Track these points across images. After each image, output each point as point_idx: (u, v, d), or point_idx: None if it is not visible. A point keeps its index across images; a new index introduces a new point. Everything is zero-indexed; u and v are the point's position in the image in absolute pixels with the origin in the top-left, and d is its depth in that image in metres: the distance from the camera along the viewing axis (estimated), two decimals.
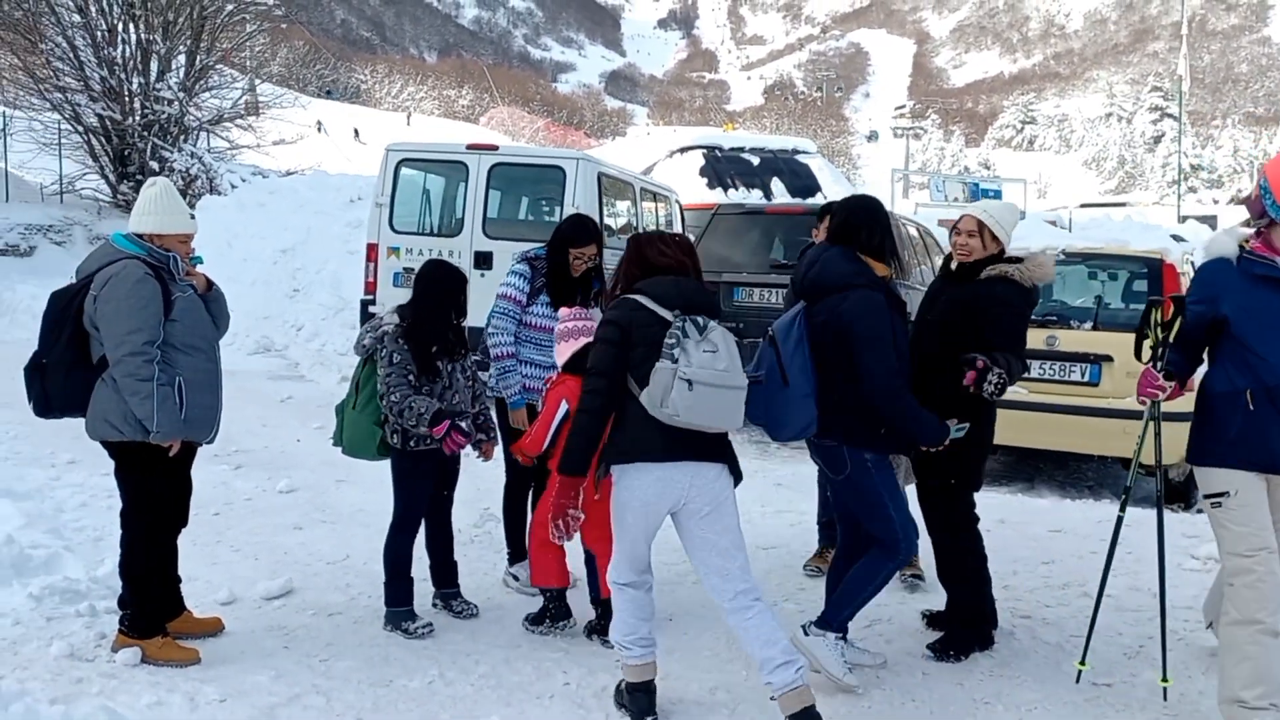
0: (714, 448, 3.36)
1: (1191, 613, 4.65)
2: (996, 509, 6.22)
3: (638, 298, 3.42)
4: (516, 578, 4.92)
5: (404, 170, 9.68)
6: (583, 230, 4.69)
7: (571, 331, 4.22)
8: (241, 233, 15.18)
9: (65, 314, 3.91)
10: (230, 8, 23.43)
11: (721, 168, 28.38)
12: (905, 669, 4.12)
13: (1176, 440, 6.75)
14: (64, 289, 3.98)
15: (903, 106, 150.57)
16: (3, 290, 16.09)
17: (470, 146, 9.56)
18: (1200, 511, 6.83)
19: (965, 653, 4.22)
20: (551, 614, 4.40)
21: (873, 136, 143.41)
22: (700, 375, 3.20)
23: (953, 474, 4.27)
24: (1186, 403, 6.64)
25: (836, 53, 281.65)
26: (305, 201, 15.94)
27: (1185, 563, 5.36)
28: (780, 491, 6.81)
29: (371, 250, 9.50)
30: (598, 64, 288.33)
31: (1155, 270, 6.87)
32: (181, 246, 4.06)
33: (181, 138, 22.54)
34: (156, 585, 4.03)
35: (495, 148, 9.82)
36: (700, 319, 3.33)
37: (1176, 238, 7.62)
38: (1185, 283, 6.99)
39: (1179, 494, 7.02)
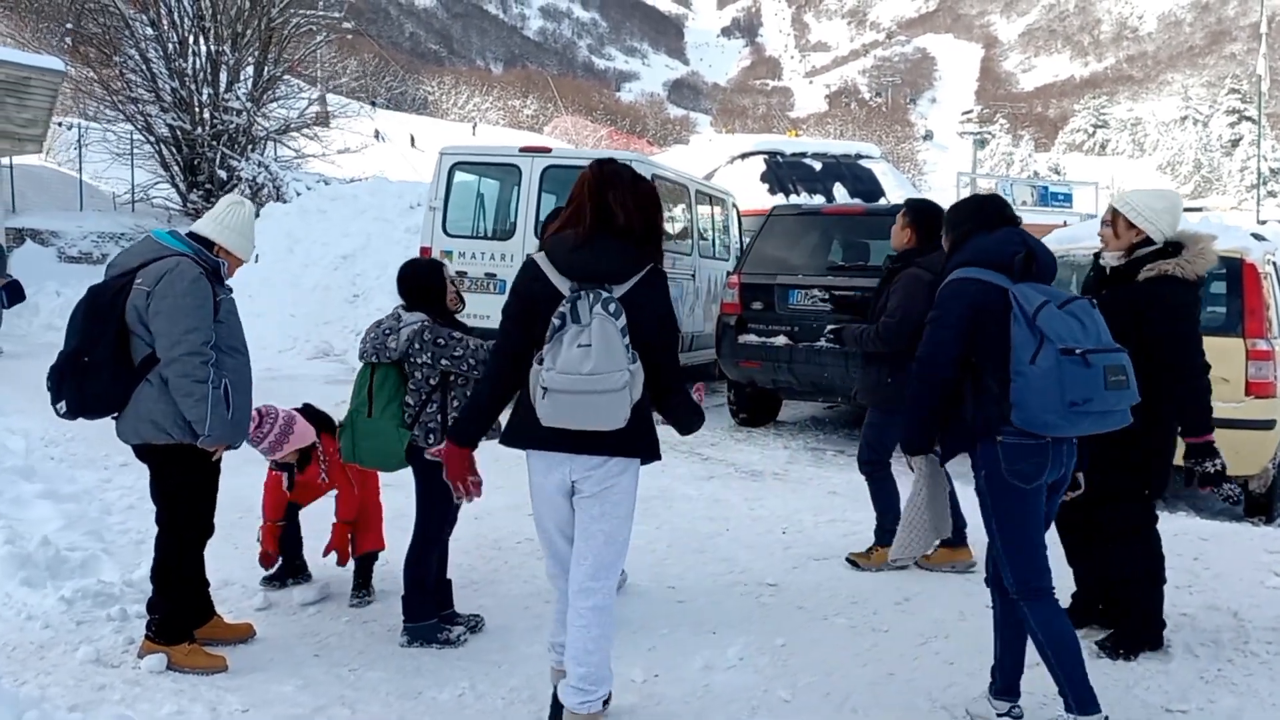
0: (600, 438, 3.06)
1: (1275, 634, 4.33)
2: None
3: (540, 262, 3.14)
4: None
5: (458, 174, 9.64)
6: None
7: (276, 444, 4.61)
8: (303, 238, 15.33)
9: (110, 311, 3.81)
10: (297, 20, 23.72)
11: (783, 173, 28.04)
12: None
13: (1257, 450, 6.43)
14: (103, 284, 3.90)
15: (970, 111, 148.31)
16: (75, 296, 16.40)
17: (523, 149, 9.49)
18: None
19: (1135, 651, 4.11)
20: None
21: (928, 136, 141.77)
22: (557, 382, 2.95)
23: (1146, 484, 4.18)
24: (1266, 409, 6.32)
25: (902, 58, 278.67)
26: (365, 208, 16.04)
27: (1268, 580, 5.02)
28: (834, 500, 6.58)
29: (424, 253, 9.45)
30: (661, 73, 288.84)
31: (1235, 271, 6.50)
32: (235, 264, 4.08)
33: (249, 147, 22.90)
34: (186, 591, 3.95)
35: (548, 150, 9.75)
36: (595, 293, 3.01)
37: (1258, 236, 7.17)
38: (1269, 286, 6.63)
39: (1260, 507, 6.65)
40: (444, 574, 4.35)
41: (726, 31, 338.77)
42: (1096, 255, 4.27)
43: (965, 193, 35.07)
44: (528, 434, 3.14)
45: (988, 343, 3.33)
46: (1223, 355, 5.85)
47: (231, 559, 5.12)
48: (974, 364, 3.38)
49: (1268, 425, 6.31)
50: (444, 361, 4.05)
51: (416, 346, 4.10)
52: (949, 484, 3.86)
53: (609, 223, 3.09)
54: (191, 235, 4.00)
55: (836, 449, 8.57)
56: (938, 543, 4.89)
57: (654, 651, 4.13)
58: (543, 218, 9.35)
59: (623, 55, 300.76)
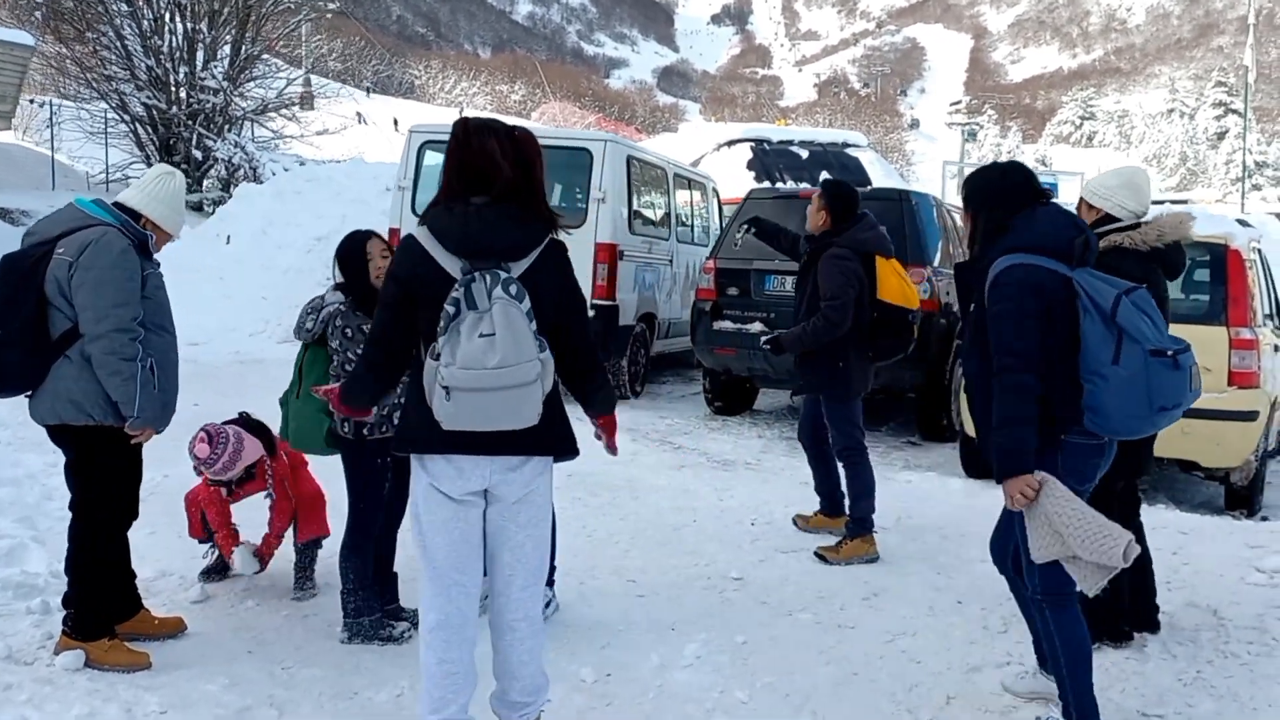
0: (517, 436, 2.68)
1: (1256, 634, 4.16)
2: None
3: (422, 240, 2.69)
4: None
5: (429, 153, 9.39)
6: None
7: (225, 469, 4.34)
8: (277, 220, 15.03)
9: (28, 281, 3.54)
10: None
11: (769, 161, 27.87)
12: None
13: (1239, 441, 6.26)
14: (20, 252, 3.63)
15: (958, 102, 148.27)
16: None
17: None
18: (1265, 519, 6.32)
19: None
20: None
21: (914, 125, 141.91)
22: (460, 379, 2.55)
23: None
24: (1249, 399, 6.15)
25: (892, 48, 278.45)
26: (342, 189, 15.78)
27: (1249, 576, 4.86)
28: (805, 491, 6.34)
29: (394, 235, 9.20)
30: (650, 60, 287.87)
31: (1219, 258, 6.32)
32: (164, 239, 3.86)
33: (226, 127, 22.55)
34: (107, 582, 3.72)
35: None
36: (492, 273, 2.59)
37: (1242, 222, 7.01)
38: (1253, 273, 6.45)
39: (1241, 499, 6.48)
40: (389, 567, 4.13)
41: (716, 19, 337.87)
42: None
43: (953, 184, 34.99)
44: (429, 437, 2.68)
45: (1056, 339, 3.04)
46: (1205, 344, 5.65)
47: (173, 548, 4.90)
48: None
49: (1250, 416, 6.14)
50: (348, 354, 3.85)
51: (330, 330, 3.91)
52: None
53: (495, 185, 2.67)
54: (118, 205, 3.76)
55: None
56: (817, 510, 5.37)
57: (607, 650, 3.93)
58: None
59: (612, 41, 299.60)
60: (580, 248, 8.81)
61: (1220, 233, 6.42)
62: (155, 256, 3.79)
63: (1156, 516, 5.94)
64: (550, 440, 2.78)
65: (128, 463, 3.75)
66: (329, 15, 29.56)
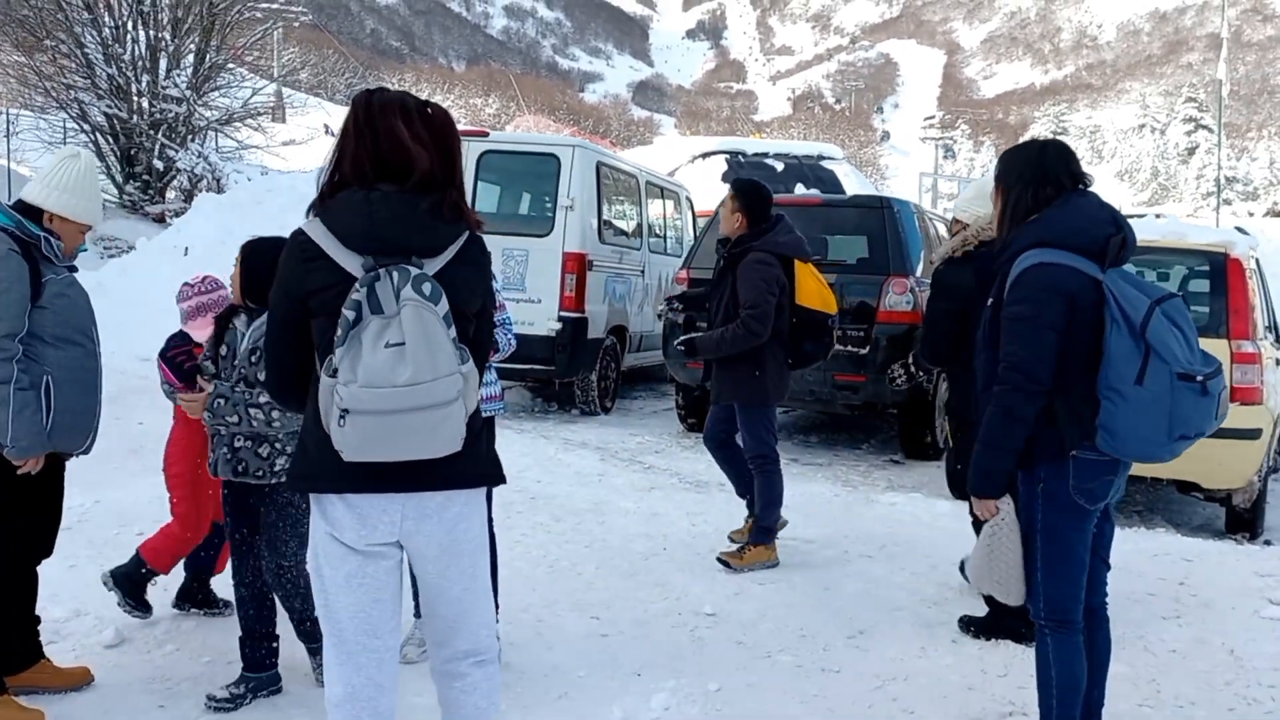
0: (435, 467, 2.22)
1: (1279, 675, 3.79)
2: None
3: (315, 235, 2.22)
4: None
5: None
6: None
7: (199, 308, 3.93)
8: (236, 230, 14.50)
9: None
10: (240, 6, 22.84)
11: (744, 173, 27.59)
12: None
13: (1241, 461, 5.93)
14: None
15: (932, 117, 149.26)
16: None
17: (463, 134, 8.82)
18: (1269, 543, 5.98)
19: (990, 636, 4.13)
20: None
21: (885, 137, 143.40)
22: (362, 400, 2.09)
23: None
24: (1251, 417, 5.83)
25: (865, 63, 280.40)
26: (304, 198, 14.97)
27: (1264, 609, 4.49)
28: (785, 514, 5.98)
29: None
30: (625, 74, 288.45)
31: (1219, 267, 6.00)
32: (79, 237, 3.41)
33: (189, 137, 22.00)
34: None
35: (485, 134, 9.11)
36: (401, 270, 2.15)
37: (1240, 230, 6.73)
38: (1254, 284, 6.14)
39: (1243, 522, 6.15)
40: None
41: (691, 34, 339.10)
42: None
43: (927, 198, 34.87)
44: (328, 473, 2.21)
45: (1077, 347, 2.71)
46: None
47: (93, 584, 4.44)
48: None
49: (1253, 435, 5.81)
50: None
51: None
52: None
53: (405, 169, 2.23)
54: (20, 203, 3.34)
55: (790, 457, 7.97)
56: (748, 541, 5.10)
57: (564, 700, 3.52)
58: (478, 206, 8.79)
59: (587, 56, 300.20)
60: (547, 257, 8.44)
61: (1219, 241, 6.11)
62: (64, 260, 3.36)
63: (1157, 541, 5.61)
64: (474, 468, 2.30)
65: (17, 493, 3.30)
66: (297, 25, 29.01)
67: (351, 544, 2.24)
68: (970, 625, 4.24)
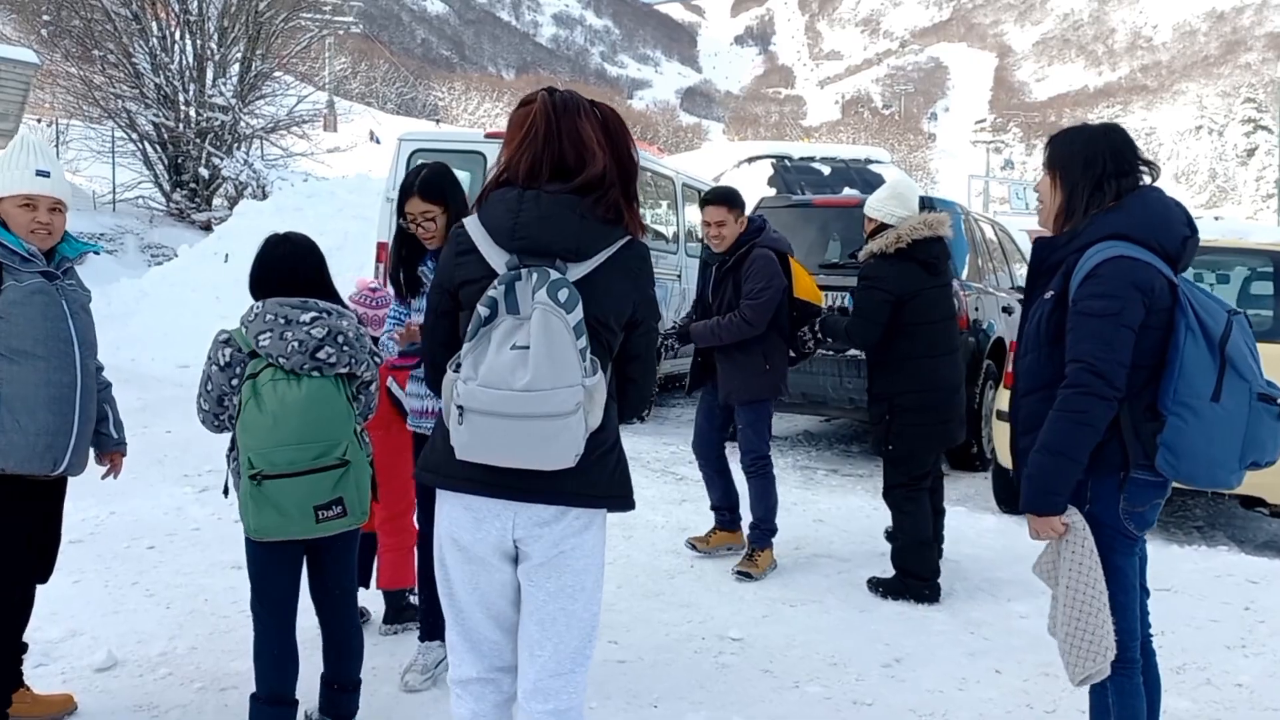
0: (551, 480, 2.11)
1: None
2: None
3: (471, 229, 2.19)
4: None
5: (419, 161, 8.82)
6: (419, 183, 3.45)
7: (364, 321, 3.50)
8: None
9: None
10: (285, 15, 22.97)
11: (791, 177, 27.32)
12: None
13: None
14: None
15: (983, 120, 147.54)
16: None
17: (489, 135, 8.67)
18: None
19: (889, 595, 4.58)
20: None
21: (930, 139, 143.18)
22: (477, 400, 2.03)
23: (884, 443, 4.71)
24: None
25: (915, 67, 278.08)
26: (344, 205, 15.36)
27: None
28: (820, 530, 5.72)
29: (381, 250, 8.66)
30: (674, 80, 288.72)
31: None
32: (21, 214, 3.04)
33: (235, 145, 22.16)
34: None
35: None
36: (541, 273, 2.06)
37: None
38: None
39: None
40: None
41: (739, 39, 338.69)
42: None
43: (978, 201, 34.24)
44: (451, 470, 2.15)
45: (1141, 355, 2.43)
46: (1268, 363, 4.98)
47: (94, 602, 4.31)
48: None
49: None
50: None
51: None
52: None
53: (575, 170, 2.15)
54: None
55: (829, 468, 7.70)
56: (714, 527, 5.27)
57: None
58: None
59: (635, 63, 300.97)
60: None
61: None
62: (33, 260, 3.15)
63: (1219, 560, 5.25)
64: (595, 487, 2.16)
65: (15, 517, 3.11)
66: (341, 33, 29.17)
67: (467, 545, 2.19)
68: (879, 586, 4.64)
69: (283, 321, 2.87)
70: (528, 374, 2.01)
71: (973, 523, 5.96)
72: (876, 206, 4.71)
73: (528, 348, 2.02)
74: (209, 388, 2.93)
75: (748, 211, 5.20)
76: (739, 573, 4.85)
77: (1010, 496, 6.38)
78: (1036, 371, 2.54)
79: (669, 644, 4.06)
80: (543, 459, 2.06)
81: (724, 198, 5.00)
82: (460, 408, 2.05)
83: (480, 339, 2.05)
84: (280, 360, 2.84)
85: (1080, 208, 2.54)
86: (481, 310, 2.06)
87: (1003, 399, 6.25)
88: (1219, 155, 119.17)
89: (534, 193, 2.13)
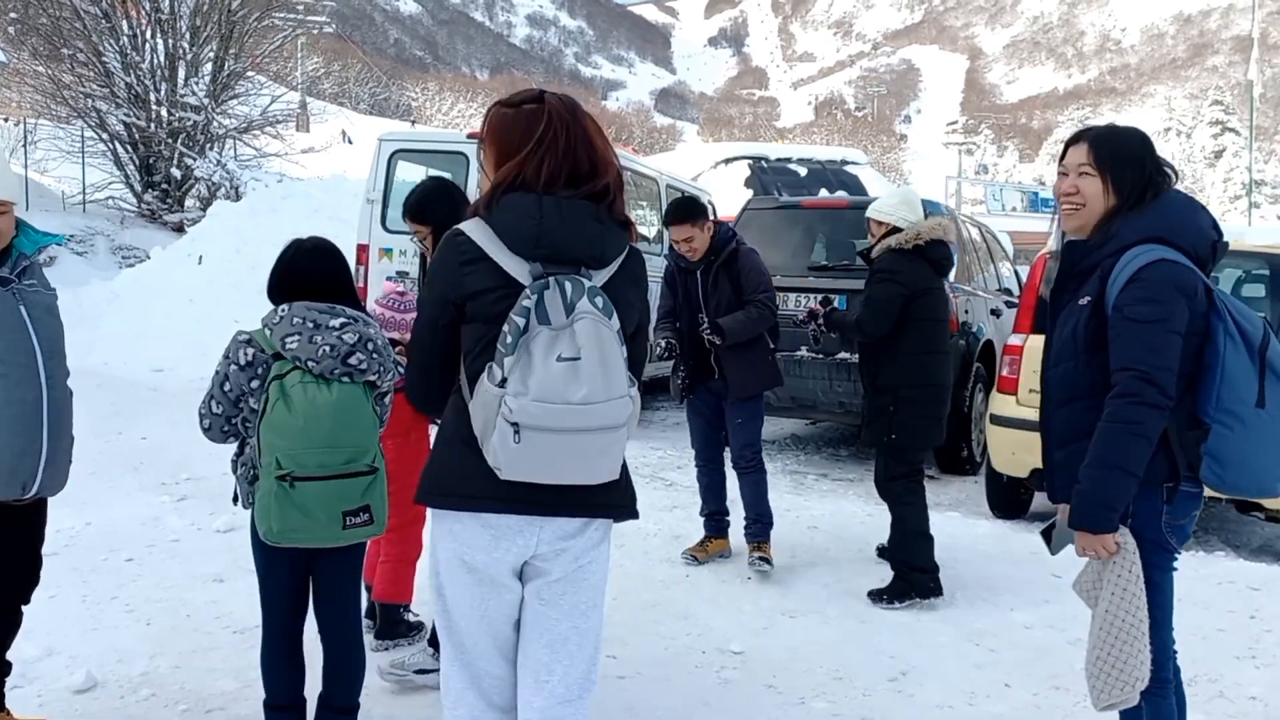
0: (581, 492, 2.04)
1: None
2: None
3: (477, 236, 2.04)
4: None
5: (401, 163, 8.68)
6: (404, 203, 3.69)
7: (383, 324, 3.51)
8: (251, 238, 14.35)
9: None
10: (258, 14, 22.68)
11: (767, 178, 27.39)
12: None
13: None
14: None
15: (955, 122, 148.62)
16: None
17: (471, 135, 8.51)
18: None
19: (894, 600, 4.56)
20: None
21: (902, 139, 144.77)
22: (534, 417, 1.91)
23: (886, 435, 4.71)
24: None
25: (887, 69, 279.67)
26: (320, 206, 15.14)
27: None
28: (815, 537, 5.63)
29: (361, 252, 8.49)
30: (648, 81, 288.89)
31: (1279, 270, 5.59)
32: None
33: (208, 146, 21.85)
34: None
35: None
36: (574, 282, 1.99)
37: None
38: None
39: None
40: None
41: (713, 41, 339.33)
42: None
43: (951, 203, 34.39)
44: (470, 490, 2.03)
45: (1182, 360, 2.33)
46: None
47: (72, 617, 4.15)
48: None
49: None
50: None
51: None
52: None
53: (587, 177, 2.07)
54: None
55: (819, 473, 7.62)
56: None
57: None
58: None
59: (609, 64, 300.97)
60: None
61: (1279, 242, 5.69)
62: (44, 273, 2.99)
63: (1219, 566, 5.20)
64: (615, 497, 2.11)
65: None
66: (315, 32, 28.86)
67: (481, 566, 2.07)
68: (882, 595, 4.60)
69: (311, 325, 2.78)
70: (583, 386, 1.93)
71: (967, 529, 5.89)
72: (888, 211, 4.81)
73: (577, 359, 1.94)
74: (226, 388, 2.82)
75: (736, 210, 5.28)
76: (762, 559, 4.99)
77: (1003, 502, 6.32)
78: (1073, 380, 2.43)
79: (668, 658, 3.95)
80: (595, 473, 2.01)
81: (686, 214, 5.05)
82: (515, 424, 1.92)
83: (521, 352, 1.94)
84: (310, 364, 2.74)
85: (1121, 207, 2.44)
86: (517, 320, 1.95)
87: (996, 403, 6.20)
88: (1187, 157, 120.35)
89: (553, 199, 2.03)
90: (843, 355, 7.18)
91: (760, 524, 5.10)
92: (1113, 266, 2.37)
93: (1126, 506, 2.38)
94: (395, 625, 3.98)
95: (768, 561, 4.99)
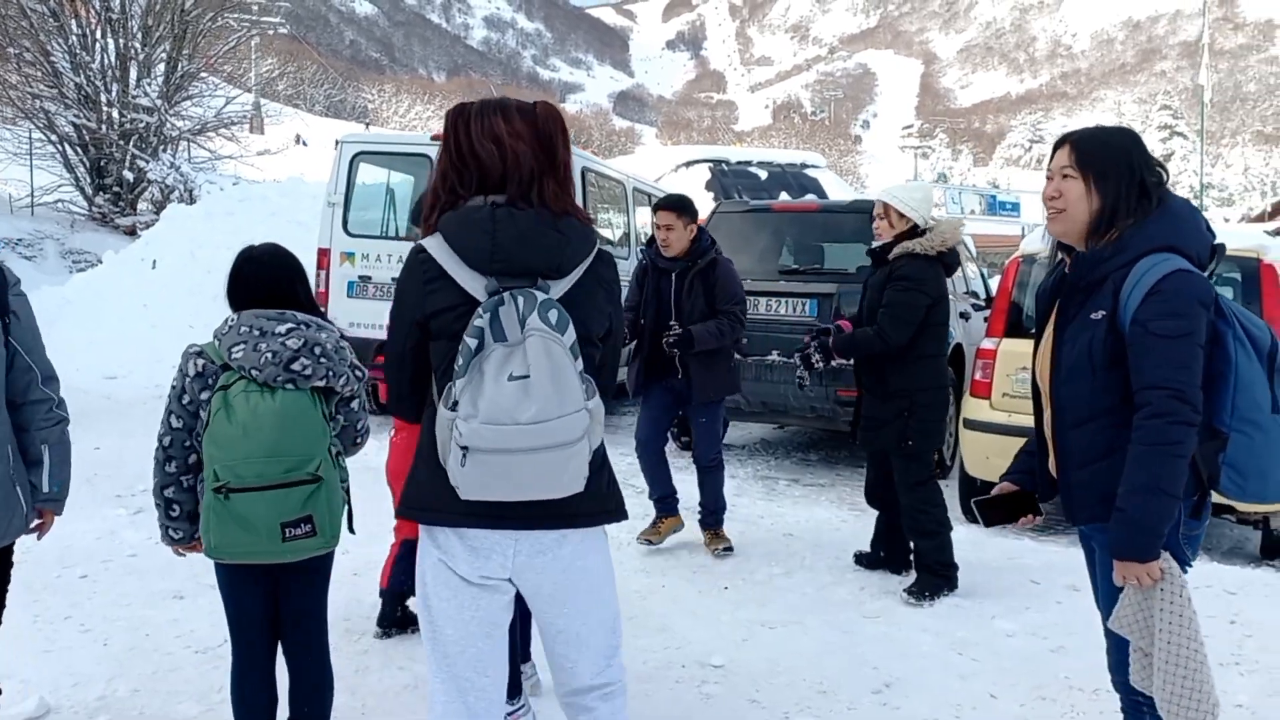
0: (552, 505, 2.07)
1: None
2: (1062, 571, 4.97)
3: (437, 254, 2.07)
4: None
5: (363, 166, 8.51)
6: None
7: None
8: (206, 243, 14.06)
9: None
10: (212, 14, 22.29)
11: (728, 181, 27.48)
12: None
13: None
14: None
15: (910, 126, 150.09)
16: None
17: (435, 137, 8.36)
18: None
19: (935, 595, 4.63)
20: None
21: (856, 140, 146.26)
22: (483, 438, 1.93)
23: (906, 438, 4.68)
24: None
25: (844, 73, 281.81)
26: (277, 210, 14.87)
27: None
28: (790, 545, 5.54)
29: (322, 256, 8.31)
30: (606, 84, 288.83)
31: (1251, 274, 5.59)
32: None
33: (161, 148, 21.43)
34: None
35: None
36: (527, 295, 1.99)
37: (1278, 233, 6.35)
38: None
39: None
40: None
41: (671, 44, 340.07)
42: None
43: None
44: (443, 505, 2.07)
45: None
46: None
47: (24, 639, 3.96)
48: None
49: None
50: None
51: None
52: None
53: (511, 179, 2.09)
54: None
55: (790, 478, 7.56)
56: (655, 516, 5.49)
57: None
58: None
59: (567, 66, 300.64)
60: None
61: (1250, 245, 5.70)
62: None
63: (1195, 570, 5.15)
64: (593, 506, 2.13)
65: None
66: (269, 33, 28.44)
67: (464, 575, 2.10)
68: (921, 592, 4.64)
69: (257, 333, 2.70)
70: (533, 405, 1.94)
71: None
72: (913, 206, 4.66)
73: (527, 377, 1.94)
74: (185, 400, 2.74)
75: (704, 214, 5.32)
76: (724, 549, 5.29)
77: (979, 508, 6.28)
78: (1091, 399, 2.33)
79: (649, 673, 3.85)
80: (553, 489, 2.02)
81: (678, 205, 5.20)
82: (464, 448, 1.94)
83: (472, 373, 1.95)
84: (253, 372, 2.66)
85: (1123, 216, 2.34)
86: (469, 341, 1.95)
87: (969, 407, 6.16)
88: None
89: (506, 210, 2.05)
90: (839, 361, 7.16)
91: (716, 514, 5.41)
92: (1124, 278, 2.28)
93: None
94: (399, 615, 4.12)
95: (729, 548, 5.31)
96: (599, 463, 2.12)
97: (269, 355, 2.67)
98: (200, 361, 2.73)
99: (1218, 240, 2.40)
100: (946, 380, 4.84)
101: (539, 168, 2.10)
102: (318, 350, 2.74)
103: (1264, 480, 2.24)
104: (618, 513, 2.19)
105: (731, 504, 6.49)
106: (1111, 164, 2.36)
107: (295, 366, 2.69)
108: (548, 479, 1.99)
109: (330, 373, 2.75)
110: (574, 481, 2.03)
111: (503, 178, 2.08)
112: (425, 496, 2.09)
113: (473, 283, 2.02)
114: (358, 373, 2.85)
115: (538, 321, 1.96)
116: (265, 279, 2.82)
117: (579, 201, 7.65)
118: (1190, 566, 2.37)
